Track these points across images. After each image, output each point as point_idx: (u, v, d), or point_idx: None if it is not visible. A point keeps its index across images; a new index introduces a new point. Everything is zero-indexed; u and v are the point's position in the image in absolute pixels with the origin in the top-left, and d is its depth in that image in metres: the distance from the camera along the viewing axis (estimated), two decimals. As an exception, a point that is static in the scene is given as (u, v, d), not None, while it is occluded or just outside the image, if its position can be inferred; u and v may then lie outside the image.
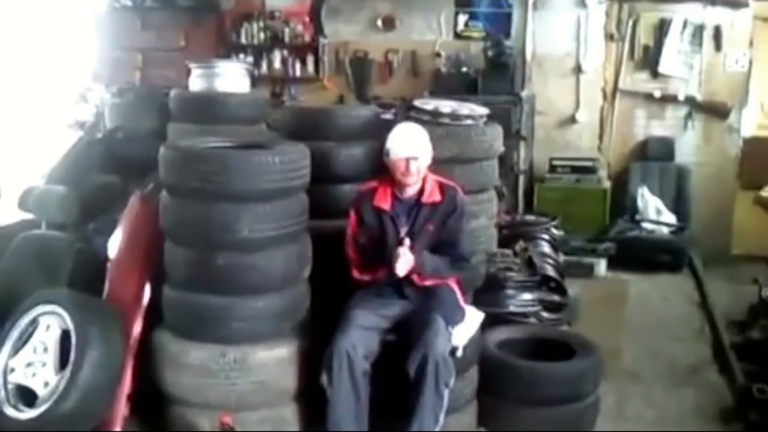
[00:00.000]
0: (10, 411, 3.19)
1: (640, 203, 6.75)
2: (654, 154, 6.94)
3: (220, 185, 3.05)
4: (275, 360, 3.14)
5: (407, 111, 4.13)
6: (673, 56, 6.87)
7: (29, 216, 4.16)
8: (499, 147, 4.05)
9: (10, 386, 3.24)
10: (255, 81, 6.15)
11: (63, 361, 3.18)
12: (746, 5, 6.75)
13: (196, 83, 4.72)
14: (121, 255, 3.52)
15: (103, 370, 3.13)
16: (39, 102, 7.71)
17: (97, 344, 3.15)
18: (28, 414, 3.14)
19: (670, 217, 6.68)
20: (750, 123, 8.20)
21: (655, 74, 6.96)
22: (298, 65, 7.70)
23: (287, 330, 3.23)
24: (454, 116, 3.88)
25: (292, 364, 3.18)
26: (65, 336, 3.21)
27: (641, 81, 7.03)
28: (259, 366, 3.10)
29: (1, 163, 6.55)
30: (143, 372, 3.31)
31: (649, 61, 6.96)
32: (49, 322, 3.27)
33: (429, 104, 4.01)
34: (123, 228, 3.58)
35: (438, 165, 3.36)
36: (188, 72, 4.77)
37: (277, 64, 7.73)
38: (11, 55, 7.75)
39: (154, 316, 3.34)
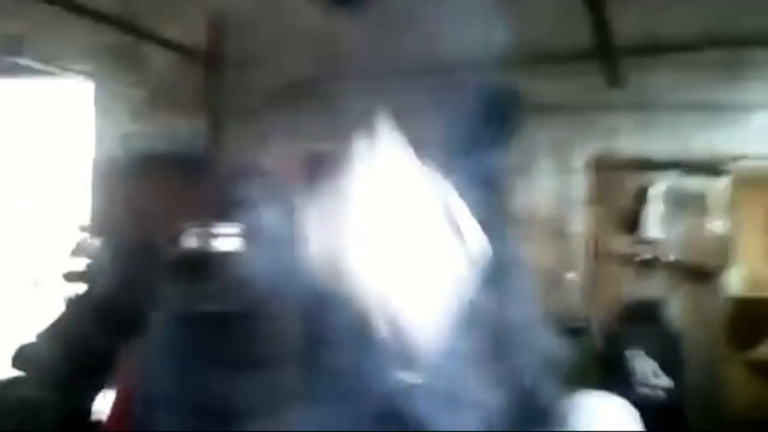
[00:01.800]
0: None
1: (635, 366, 6.71)
2: (643, 317, 6.99)
3: (216, 350, 3.06)
4: None
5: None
6: (656, 222, 7.08)
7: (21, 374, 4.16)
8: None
9: None
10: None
11: None
12: (726, 172, 7.02)
13: (191, 242, 4.82)
14: (114, 416, 3.47)
15: None
16: (33, 253, 7.79)
17: None
18: None
19: (666, 381, 6.63)
20: (737, 285, 8.30)
21: (639, 238, 7.14)
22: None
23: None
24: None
25: None
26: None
27: (626, 244, 7.20)
28: None
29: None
30: None
31: (633, 225, 7.16)
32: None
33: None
34: (115, 388, 3.55)
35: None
36: (183, 231, 4.88)
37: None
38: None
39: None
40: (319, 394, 3.31)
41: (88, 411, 3.58)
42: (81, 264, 7.29)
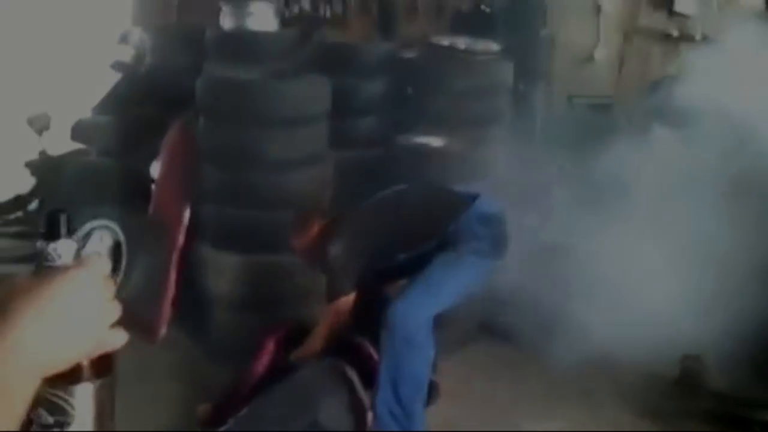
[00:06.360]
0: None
1: (654, 140, 6.94)
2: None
3: (252, 111, 3.41)
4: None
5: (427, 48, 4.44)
6: (689, -4, 7.02)
7: (80, 146, 4.62)
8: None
9: (68, 289, 3.70)
10: (285, 22, 6.41)
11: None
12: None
13: (227, 22, 5.01)
14: (164, 177, 3.90)
15: (151, 275, 3.54)
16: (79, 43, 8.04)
17: (146, 252, 3.57)
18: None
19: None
20: None
21: (671, 13, 7.10)
22: (328, 6, 7.95)
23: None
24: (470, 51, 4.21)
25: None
26: (116, 248, 3.64)
27: (658, 20, 7.17)
28: (285, 271, 3.49)
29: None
30: (186, 283, 3.72)
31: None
32: (102, 234, 3.69)
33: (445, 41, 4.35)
34: (164, 152, 3.96)
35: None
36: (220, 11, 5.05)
37: (306, 5, 8.00)
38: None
39: (195, 231, 3.73)
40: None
41: (146, 175, 3.97)
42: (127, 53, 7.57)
